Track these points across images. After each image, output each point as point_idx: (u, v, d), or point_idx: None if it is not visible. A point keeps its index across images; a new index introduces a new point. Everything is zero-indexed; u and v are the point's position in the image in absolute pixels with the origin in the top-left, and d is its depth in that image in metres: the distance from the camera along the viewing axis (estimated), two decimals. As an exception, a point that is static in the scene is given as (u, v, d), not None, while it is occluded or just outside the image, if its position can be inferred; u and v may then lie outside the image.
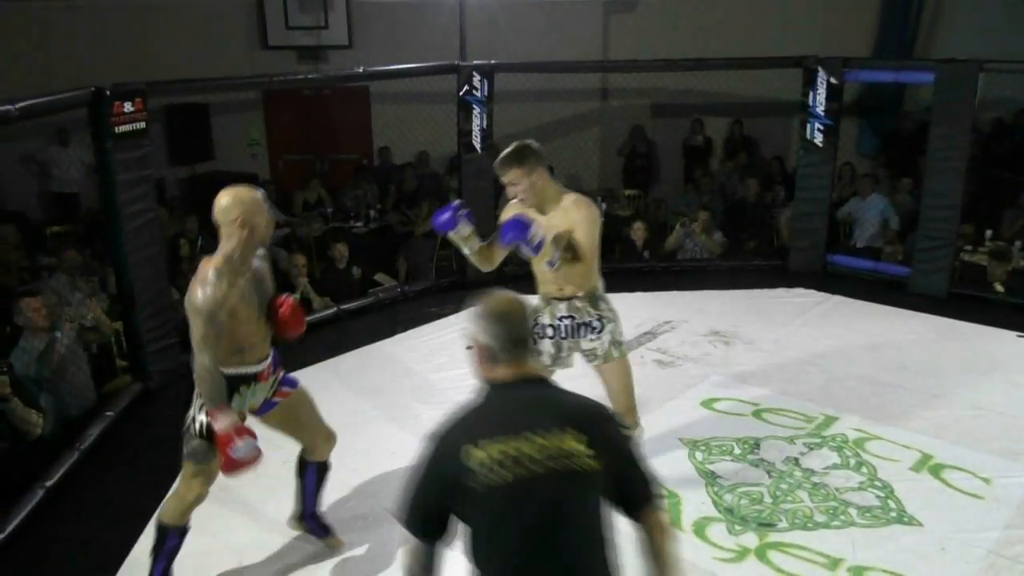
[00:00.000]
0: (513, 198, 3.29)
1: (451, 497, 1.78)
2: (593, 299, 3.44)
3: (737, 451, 4.09)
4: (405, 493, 1.84)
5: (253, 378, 2.94)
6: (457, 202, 3.34)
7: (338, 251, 6.47)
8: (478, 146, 6.59)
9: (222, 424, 2.73)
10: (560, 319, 3.45)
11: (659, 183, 9.75)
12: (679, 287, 6.60)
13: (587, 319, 3.43)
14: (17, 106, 3.67)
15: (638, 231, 7.31)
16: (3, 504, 3.56)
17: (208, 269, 2.73)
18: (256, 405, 3.06)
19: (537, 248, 3.15)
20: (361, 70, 6.40)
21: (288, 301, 3.02)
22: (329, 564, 3.32)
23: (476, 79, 6.43)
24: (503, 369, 1.91)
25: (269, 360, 3.01)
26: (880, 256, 6.95)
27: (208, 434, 2.81)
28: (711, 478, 3.86)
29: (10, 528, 3.48)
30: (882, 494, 3.71)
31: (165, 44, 8.62)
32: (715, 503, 3.67)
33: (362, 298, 6.33)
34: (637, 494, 1.91)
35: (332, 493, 3.70)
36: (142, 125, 4.67)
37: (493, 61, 6.67)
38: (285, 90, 9.11)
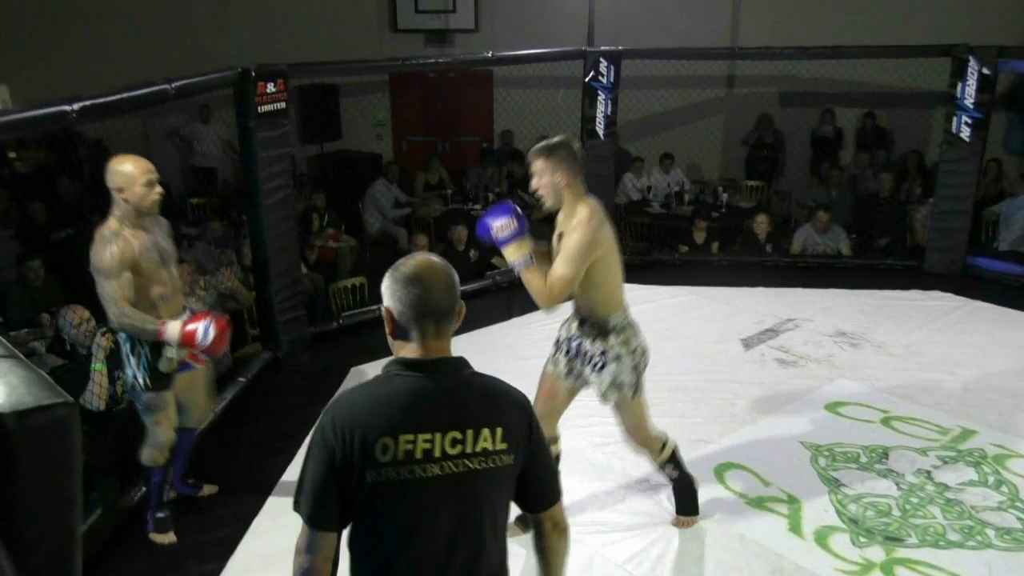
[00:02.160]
0: (534, 191, 2.96)
1: (348, 488, 1.60)
2: (603, 330, 3.04)
3: (864, 459, 3.92)
4: (302, 482, 1.63)
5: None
6: (509, 203, 2.94)
7: (457, 233, 6.57)
8: (601, 132, 6.53)
9: (172, 330, 3.03)
10: (571, 338, 3.17)
11: (784, 175, 9.41)
12: (804, 284, 6.36)
13: (591, 350, 3.08)
14: (174, 85, 3.90)
15: (761, 224, 7.08)
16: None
17: (100, 232, 3.04)
18: (175, 365, 3.20)
19: (502, 243, 2.85)
20: (490, 54, 6.44)
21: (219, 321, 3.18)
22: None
23: (603, 65, 6.37)
24: (414, 346, 1.68)
25: (185, 316, 3.18)
26: (1028, 261, 6.49)
27: (153, 383, 3.13)
28: (834, 486, 3.71)
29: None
30: (1024, 516, 3.49)
31: (299, 26, 8.95)
32: (839, 512, 3.53)
33: (479, 280, 6.41)
34: (543, 492, 1.77)
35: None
36: (283, 105, 4.87)
37: (621, 47, 6.58)
38: (411, 73, 9.29)
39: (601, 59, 6.39)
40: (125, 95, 3.64)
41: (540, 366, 4.94)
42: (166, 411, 3.22)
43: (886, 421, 4.30)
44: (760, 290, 6.23)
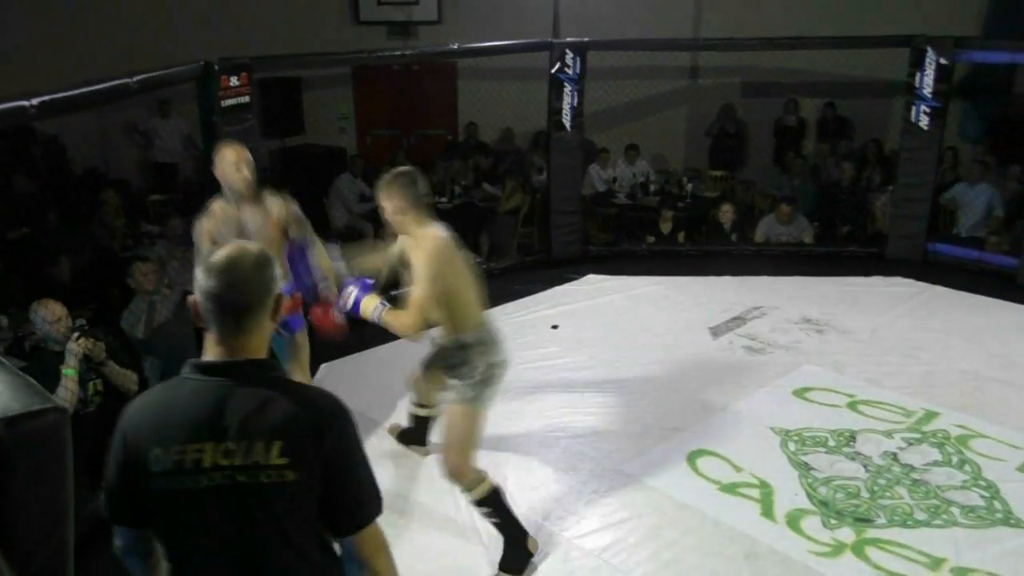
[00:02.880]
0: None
1: (136, 494, 1.55)
2: (457, 346, 3.09)
3: (832, 443, 4.00)
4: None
5: None
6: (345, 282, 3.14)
7: (425, 226, 6.54)
8: (568, 124, 6.54)
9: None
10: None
11: (748, 164, 9.52)
12: (769, 272, 6.44)
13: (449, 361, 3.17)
14: (135, 79, 3.82)
15: (726, 213, 7.16)
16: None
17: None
18: None
19: (356, 309, 3.01)
20: (456, 47, 6.41)
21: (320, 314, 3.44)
22: (416, 532, 3.38)
23: (569, 56, 6.37)
24: (214, 343, 1.57)
25: None
26: (985, 246, 6.64)
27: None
28: (805, 469, 3.78)
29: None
30: (987, 494, 3.58)
31: (259, 19, 8.81)
32: (809, 495, 3.59)
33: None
34: (339, 516, 1.60)
35: (422, 468, 3.78)
36: (246, 99, 4.79)
37: (587, 39, 6.59)
38: (375, 65, 9.20)
39: (567, 50, 6.39)
40: (85, 90, 3.55)
41: (512, 356, 4.96)
42: None
43: (852, 405, 4.38)
44: (727, 279, 6.30)
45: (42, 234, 6.42)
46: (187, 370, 1.58)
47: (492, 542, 3.20)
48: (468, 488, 3.05)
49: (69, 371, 3.50)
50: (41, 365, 3.58)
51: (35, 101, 3.06)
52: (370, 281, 3.10)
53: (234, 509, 1.53)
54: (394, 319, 2.94)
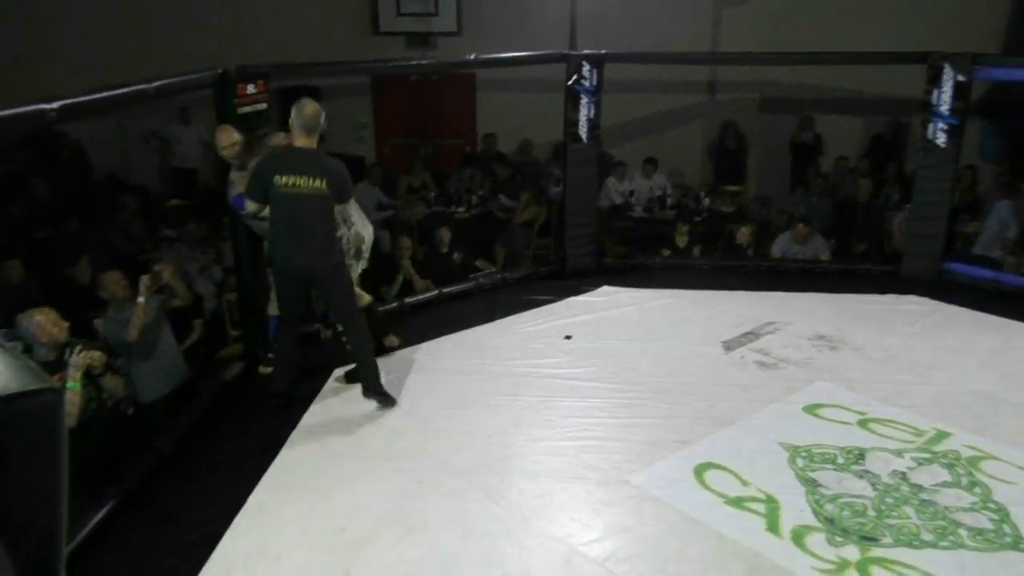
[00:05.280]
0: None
1: (267, 190, 4.14)
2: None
3: (840, 460, 3.97)
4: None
5: None
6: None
7: (441, 236, 6.58)
8: (584, 136, 6.56)
9: None
10: None
11: (749, 180, 9.51)
12: (784, 288, 6.42)
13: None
14: (153, 85, 3.89)
15: (744, 235, 7.14)
16: (123, 463, 3.80)
17: None
18: None
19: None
20: (473, 57, 6.46)
21: None
22: (423, 536, 3.39)
23: (586, 68, 6.40)
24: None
25: None
26: (1003, 266, 6.58)
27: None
28: (812, 486, 3.76)
29: (132, 482, 3.72)
30: (996, 517, 3.53)
31: (280, 29, 8.92)
32: (815, 512, 3.57)
33: (463, 282, 6.42)
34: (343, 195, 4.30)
35: (428, 473, 3.80)
36: (263, 106, 4.85)
37: (604, 51, 6.62)
38: (394, 75, 9.29)
39: (584, 62, 6.42)
40: (105, 95, 3.62)
41: (523, 367, 5.01)
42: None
43: (863, 423, 4.35)
44: (741, 293, 6.29)
45: (64, 237, 6.53)
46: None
47: (492, 542, 3.20)
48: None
49: (73, 384, 3.54)
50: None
51: (55, 105, 3.12)
52: None
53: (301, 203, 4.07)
54: None
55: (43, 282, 5.51)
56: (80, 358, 3.57)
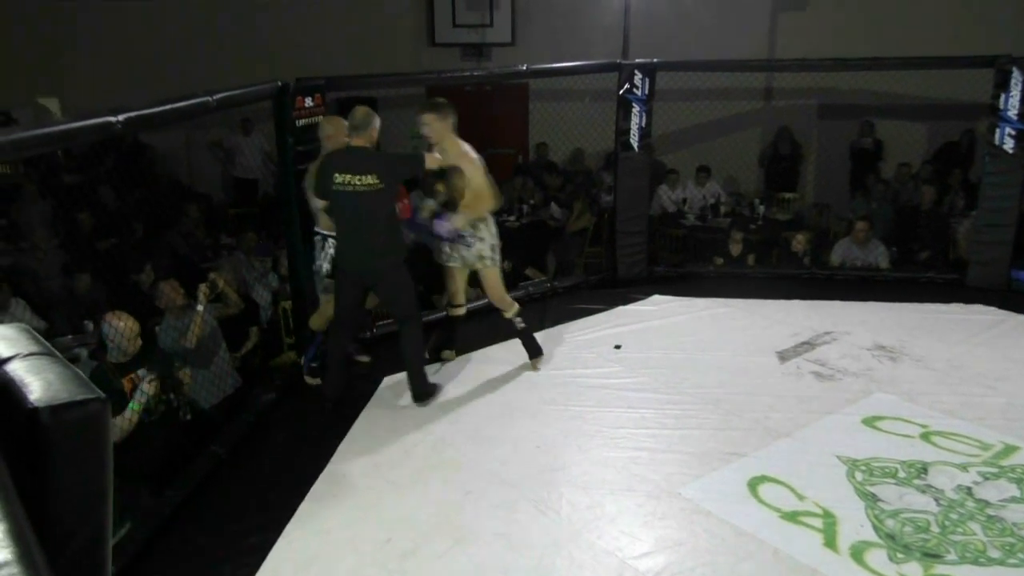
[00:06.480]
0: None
1: (329, 190, 4.31)
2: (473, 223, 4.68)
3: (902, 474, 3.85)
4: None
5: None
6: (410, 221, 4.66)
7: (492, 244, 6.59)
8: (635, 144, 6.53)
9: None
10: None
11: (806, 187, 9.33)
12: (842, 297, 6.27)
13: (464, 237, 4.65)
14: (215, 97, 4.00)
15: (799, 243, 7.00)
16: (182, 466, 3.89)
17: None
18: None
19: (440, 227, 4.58)
20: (525, 67, 6.49)
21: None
22: (470, 547, 3.39)
23: (638, 77, 6.37)
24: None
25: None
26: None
27: (333, 273, 4.46)
28: (872, 500, 3.65)
29: (189, 488, 3.81)
30: (1069, 536, 3.39)
31: (340, 41, 9.10)
32: (875, 527, 3.47)
33: (513, 291, 6.41)
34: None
35: (478, 483, 3.80)
36: (320, 119, 4.94)
37: (656, 60, 6.58)
38: (448, 86, 9.37)
39: (636, 71, 6.39)
40: (168, 107, 3.74)
41: (574, 374, 4.99)
42: (333, 294, 4.46)
43: (926, 436, 4.21)
44: (796, 303, 6.16)
45: (129, 244, 6.75)
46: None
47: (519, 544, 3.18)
48: (508, 310, 4.91)
49: (135, 406, 3.72)
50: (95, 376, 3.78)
51: (121, 117, 3.23)
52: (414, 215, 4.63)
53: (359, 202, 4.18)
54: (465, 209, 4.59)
55: (109, 289, 5.70)
56: (150, 386, 3.75)
